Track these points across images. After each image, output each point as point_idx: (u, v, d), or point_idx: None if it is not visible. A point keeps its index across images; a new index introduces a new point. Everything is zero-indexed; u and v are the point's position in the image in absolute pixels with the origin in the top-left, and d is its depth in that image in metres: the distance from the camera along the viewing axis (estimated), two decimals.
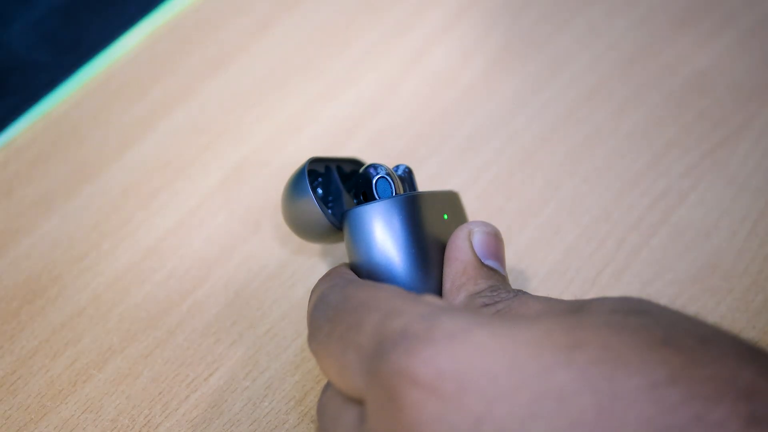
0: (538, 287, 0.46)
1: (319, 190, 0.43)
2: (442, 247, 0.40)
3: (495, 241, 0.40)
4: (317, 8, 0.58)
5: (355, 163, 0.46)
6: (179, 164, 0.51)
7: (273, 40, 0.57)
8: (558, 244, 0.47)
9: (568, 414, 0.27)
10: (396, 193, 0.40)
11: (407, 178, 0.42)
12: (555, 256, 0.47)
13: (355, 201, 0.42)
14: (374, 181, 0.40)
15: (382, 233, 0.39)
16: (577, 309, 0.32)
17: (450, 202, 0.43)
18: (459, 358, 0.29)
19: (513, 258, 0.47)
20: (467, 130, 0.52)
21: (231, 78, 0.55)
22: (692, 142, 0.51)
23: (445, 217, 0.41)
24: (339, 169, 0.45)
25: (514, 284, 0.46)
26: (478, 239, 0.39)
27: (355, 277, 0.38)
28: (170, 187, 0.50)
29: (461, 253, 0.39)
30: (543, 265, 0.47)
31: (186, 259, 0.48)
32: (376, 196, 0.40)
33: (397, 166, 0.43)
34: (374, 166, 0.41)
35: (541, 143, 0.51)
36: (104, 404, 0.43)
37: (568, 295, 0.45)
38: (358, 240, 0.39)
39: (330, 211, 0.43)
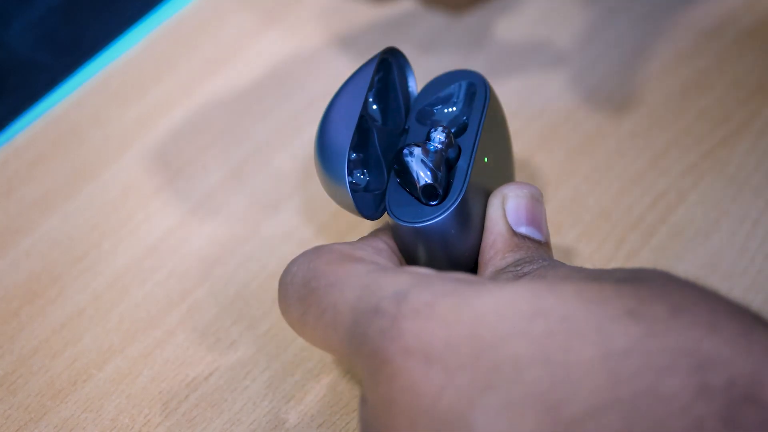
0: None
1: (353, 155, 0.41)
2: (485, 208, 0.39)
3: (530, 204, 0.39)
4: (318, 8, 0.58)
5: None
6: (179, 164, 0.51)
7: (273, 40, 0.57)
8: (558, 243, 0.47)
9: (523, 384, 0.28)
10: (440, 198, 0.38)
11: (446, 145, 0.39)
12: (555, 256, 0.47)
13: (397, 180, 0.39)
14: (419, 189, 0.38)
15: (428, 248, 0.38)
16: (593, 278, 0.32)
17: (491, 133, 0.40)
18: (423, 333, 0.30)
19: None
20: None
21: (231, 78, 0.55)
22: (692, 142, 0.51)
23: (486, 160, 0.40)
24: (378, 124, 0.42)
25: None
26: (512, 205, 0.38)
27: (331, 247, 0.37)
28: (170, 187, 0.50)
29: (492, 223, 0.38)
30: None
31: (186, 258, 0.48)
32: (423, 201, 0.39)
33: (433, 134, 0.39)
34: (413, 154, 0.38)
35: (540, 143, 0.51)
36: (104, 404, 0.43)
37: None
38: (402, 243, 0.39)
39: (366, 177, 0.41)
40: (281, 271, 0.47)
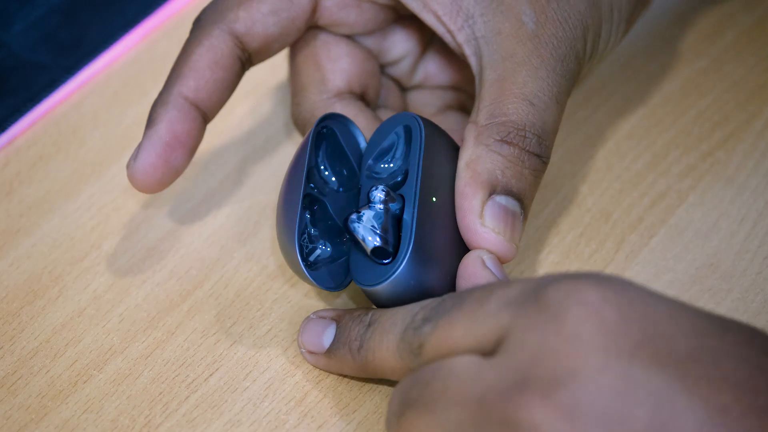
0: None
1: (311, 230, 0.43)
2: (447, 240, 0.41)
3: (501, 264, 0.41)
4: None
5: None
6: None
7: None
8: (557, 245, 0.47)
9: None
10: (392, 255, 0.40)
11: (387, 202, 0.41)
12: (554, 257, 0.47)
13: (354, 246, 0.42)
14: (370, 253, 0.40)
15: (400, 300, 0.40)
16: None
17: (433, 169, 0.42)
18: (619, 294, 0.32)
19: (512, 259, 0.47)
20: None
21: None
22: (691, 143, 0.51)
23: (434, 200, 0.41)
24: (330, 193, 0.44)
25: None
26: (493, 264, 0.40)
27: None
28: (170, 187, 0.50)
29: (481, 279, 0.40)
30: (542, 267, 0.47)
31: (186, 259, 0.48)
32: (377, 262, 0.40)
33: (372, 195, 0.41)
34: (359, 220, 0.40)
35: None
36: (104, 405, 0.43)
37: None
38: (377, 304, 0.41)
39: (328, 248, 0.43)
40: (281, 273, 0.47)
